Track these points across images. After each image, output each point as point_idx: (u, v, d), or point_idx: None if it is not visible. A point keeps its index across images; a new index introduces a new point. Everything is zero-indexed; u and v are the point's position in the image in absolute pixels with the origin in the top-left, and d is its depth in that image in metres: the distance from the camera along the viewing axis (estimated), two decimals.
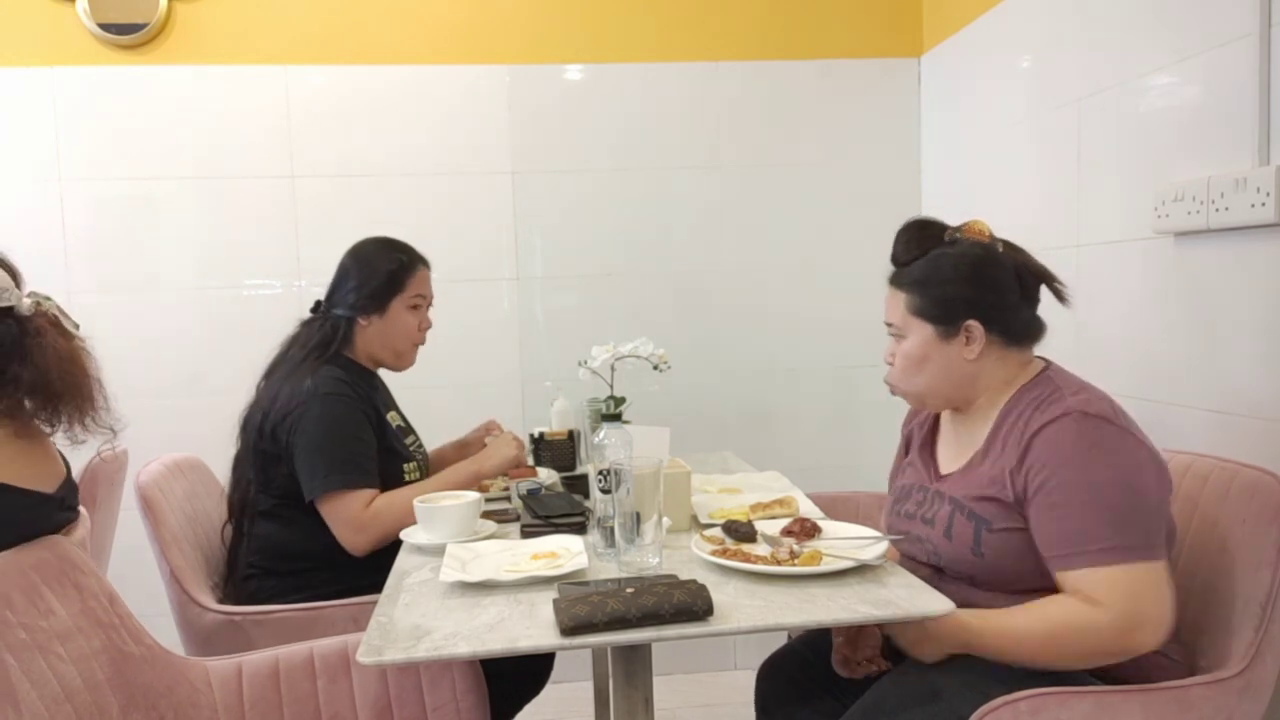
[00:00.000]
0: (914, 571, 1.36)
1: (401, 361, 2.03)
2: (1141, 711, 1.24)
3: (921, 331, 1.43)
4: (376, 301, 1.96)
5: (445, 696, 1.44)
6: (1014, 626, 1.29)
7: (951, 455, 1.50)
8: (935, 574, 1.42)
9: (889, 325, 1.49)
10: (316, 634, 1.62)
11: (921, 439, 1.58)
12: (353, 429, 1.85)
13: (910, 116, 2.95)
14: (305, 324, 2.02)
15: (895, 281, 1.48)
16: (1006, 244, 1.45)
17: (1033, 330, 1.44)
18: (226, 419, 1.97)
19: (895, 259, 1.49)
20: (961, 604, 1.26)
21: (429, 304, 2.04)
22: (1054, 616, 1.27)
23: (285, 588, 1.84)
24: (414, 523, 1.64)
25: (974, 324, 1.39)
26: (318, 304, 2.04)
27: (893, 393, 1.52)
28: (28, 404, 1.32)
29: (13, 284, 1.33)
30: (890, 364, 1.50)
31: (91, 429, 1.37)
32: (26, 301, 1.32)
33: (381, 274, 1.97)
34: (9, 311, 1.30)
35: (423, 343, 2.05)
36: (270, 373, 1.97)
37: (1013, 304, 1.41)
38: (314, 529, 1.83)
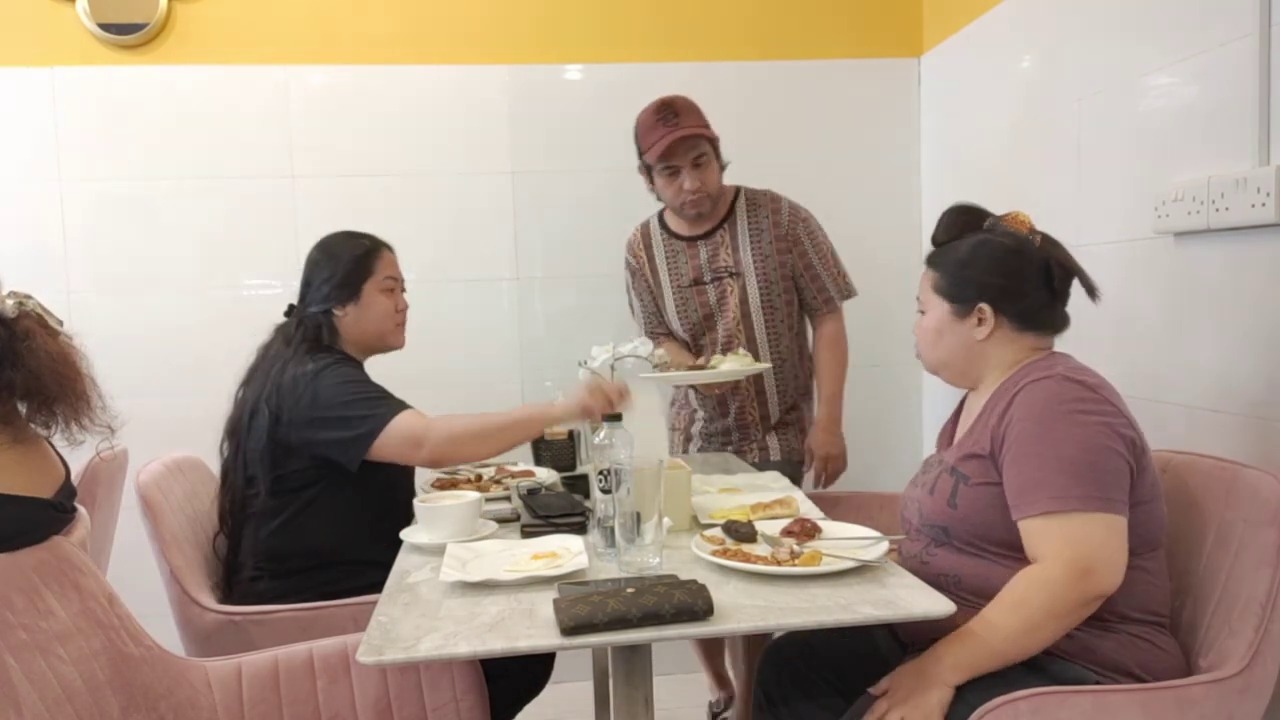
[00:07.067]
0: (906, 560, 1.44)
1: (389, 341, 2.02)
2: (1141, 711, 1.24)
3: (939, 308, 1.53)
4: (349, 289, 1.95)
5: (445, 696, 1.44)
6: (990, 619, 1.31)
7: (965, 426, 1.57)
8: (923, 566, 1.45)
9: (918, 300, 1.59)
10: (316, 634, 1.61)
11: (952, 414, 1.66)
12: (367, 381, 1.86)
13: (910, 116, 2.95)
14: (281, 328, 2.00)
15: (928, 260, 1.58)
16: (1045, 237, 1.51)
17: (1046, 318, 1.49)
18: (226, 419, 1.96)
19: (934, 240, 1.59)
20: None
21: (402, 286, 2.04)
22: (1015, 588, 1.31)
23: (286, 588, 1.83)
24: (473, 432, 1.77)
25: (985, 307, 1.48)
26: (291, 307, 2.02)
27: (918, 356, 1.61)
28: (22, 408, 1.28)
29: None
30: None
31: (88, 428, 1.33)
32: (10, 303, 1.25)
33: (348, 261, 1.96)
34: None
35: (403, 323, 2.04)
36: (249, 380, 1.94)
37: (1028, 292, 1.47)
38: (318, 528, 1.83)
